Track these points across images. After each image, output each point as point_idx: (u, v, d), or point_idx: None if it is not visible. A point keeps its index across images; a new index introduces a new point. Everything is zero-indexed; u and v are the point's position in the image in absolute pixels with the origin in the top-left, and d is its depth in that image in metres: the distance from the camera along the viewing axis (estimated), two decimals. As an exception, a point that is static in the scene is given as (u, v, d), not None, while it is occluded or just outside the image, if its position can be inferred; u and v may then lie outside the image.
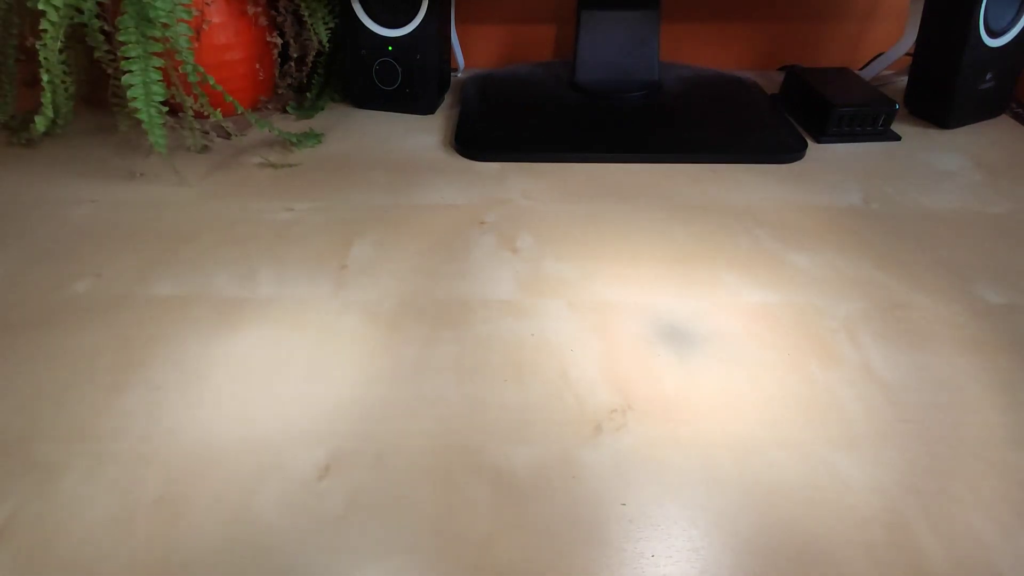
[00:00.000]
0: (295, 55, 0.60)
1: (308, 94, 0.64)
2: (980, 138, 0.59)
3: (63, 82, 0.51)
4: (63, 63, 0.50)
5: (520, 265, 0.42)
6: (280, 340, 0.36)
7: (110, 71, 0.51)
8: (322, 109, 0.64)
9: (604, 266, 0.42)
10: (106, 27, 0.50)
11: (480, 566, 0.26)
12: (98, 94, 0.57)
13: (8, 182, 0.51)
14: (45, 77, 0.48)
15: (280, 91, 0.63)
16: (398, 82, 0.62)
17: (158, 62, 0.48)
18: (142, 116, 0.49)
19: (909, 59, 0.62)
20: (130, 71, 0.47)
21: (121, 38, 0.47)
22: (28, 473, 0.29)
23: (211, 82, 0.50)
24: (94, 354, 0.35)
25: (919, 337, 0.37)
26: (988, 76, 0.58)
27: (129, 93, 0.48)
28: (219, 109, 0.53)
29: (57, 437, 0.31)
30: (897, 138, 0.59)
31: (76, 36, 0.50)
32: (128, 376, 0.34)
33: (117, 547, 0.26)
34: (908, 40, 0.63)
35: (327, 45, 0.61)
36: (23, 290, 0.40)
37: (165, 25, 0.47)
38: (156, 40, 0.47)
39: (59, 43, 0.47)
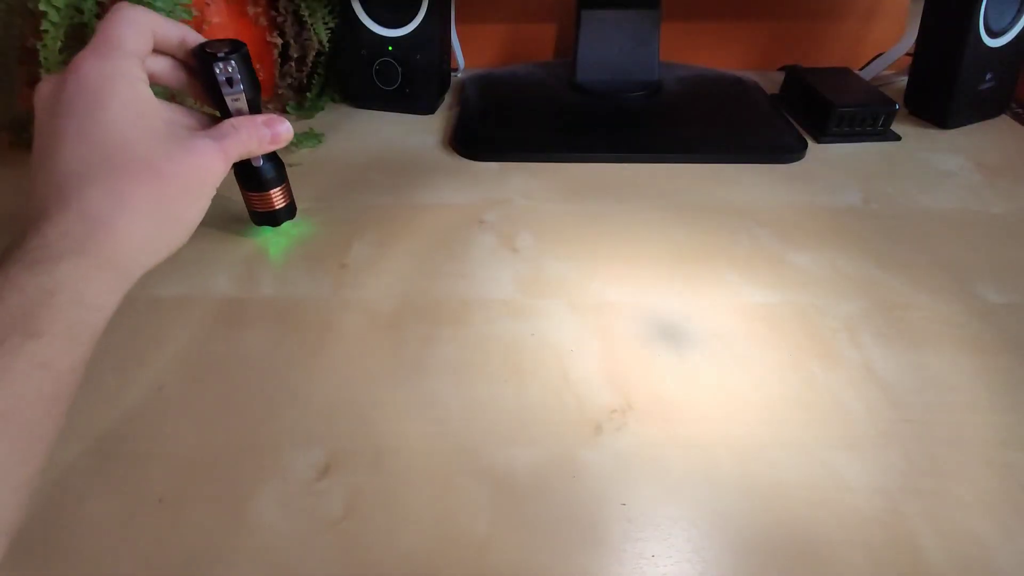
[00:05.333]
0: (295, 55, 0.60)
1: (308, 94, 0.64)
2: (980, 138, 0.59)
3: (63, 82, 0.51)
4: (64, 63, 0.50)
5: (520, 265, 0.42)
6: (280, 340, 0.36)
7: (110, 71, 0.51)
8: (322, 109, 0.64)
9: (604, 266, 0.42)
10: (106, 27, 0.50)
11: (480, 566, 0.26)
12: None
13: (10, 183, 0.51)
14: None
15: (280, 91, 0.63)
16: (398, 82, 0.62)
17: (158, 62, 0.48)
18: (142, 116, 0.48)
19: (909, 59, 0.62)
20: (130, 71, 0.47)
21: (121, 38, 0.47)
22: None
23: (211, 82, 0.50)
24: (95, 355, 0.35)
25: (920, 337, 0.37)
26: (988, 76, 0.58)
27: (129, 93, 0.48)
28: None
29: (58, 437, 0.31)
30: (897, 138, 0.59)
31: (76, 36, 0.50)
32: (129, 377, 0.34)
33: (118, 547, 0.26)
34: (908, 40, 0.63)
35: (327, 45, 0.61)
36: (23, 290, 0.40)
37: (165, 25, 0.47)
38: (156, 40, 0.47)
39: (59, 43, 0.47)
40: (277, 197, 0.42)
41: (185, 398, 0.33)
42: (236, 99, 0.35)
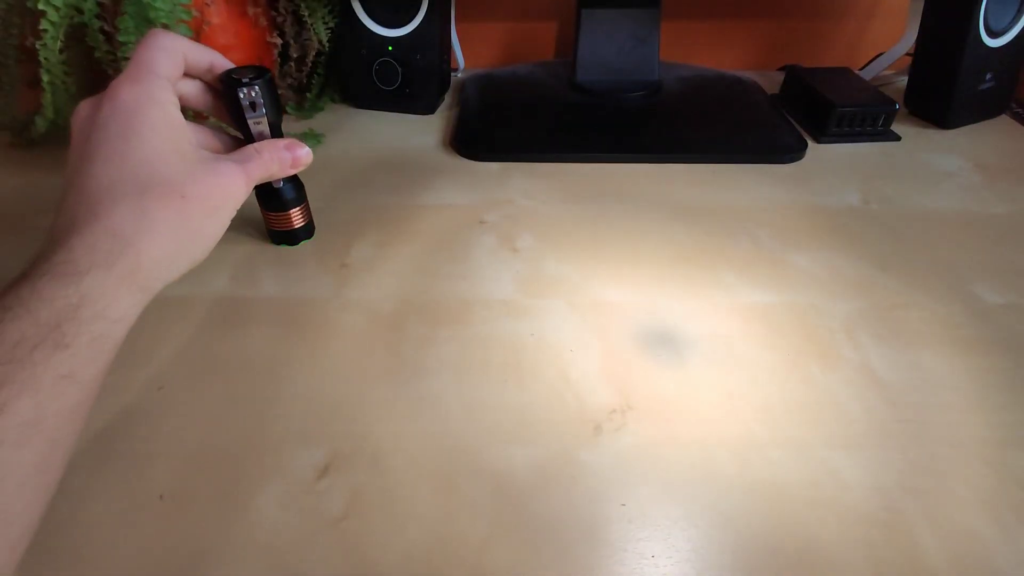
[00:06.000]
0: (295, 55, 0.60)
1: (308, 94, 0.64)
2: (980, 138, 0.59)
3: (64, 83, 0.51)
4: (63, 63, 0.50)
5: (520, 265, 0.42)
6: (281, 339, 0.36)
7: (111, 71, 0.51)
8: (322, 109, 0.64)
9: (604, 266, 0.42)
10: (106, 27, 0.50)
11: (479, 566, 0.26)
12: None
13: (10, 184, 0.51)
14: (45, 77, 0.48)
15: (280, 91, 0.63)
16: (398, 82, 0.62)
17: (158, 62, 0.48)
18: (142, 116, 0.48)
19: (909, 59, 0.62)
20: (130, 71, 0.47)
21: (122, 39, 0.47)
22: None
23: (211, 82, 0.50)
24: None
25: (918, 337, 0.37)
26: (988, 76, 0.58)
27: (129, 93, 0.48)
28: (219, 109, 0.53)
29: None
30: (897, 138, 0.59)
31: (76, 36, 0.50)
32: (131, 375, 0.34)
33: (118, 544, 0.27)
34: (908, 40, 0.63)
35: (327, 45, 0.61)
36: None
37: (165, 26, 0.47)
38: (156, 40, 0.47)
39: (59, 43, 0.47)
40: (296, 217, 0.43)
41: (186, 397, 0.33)
42: (258, 122, 0.37)
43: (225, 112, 0.37)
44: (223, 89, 0.36)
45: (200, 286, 0.40)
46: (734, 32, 0.74)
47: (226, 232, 0.45)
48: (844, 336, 0.37)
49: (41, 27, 0.46)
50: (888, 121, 0.58)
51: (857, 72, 0.65)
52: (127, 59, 0.47)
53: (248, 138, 0.38)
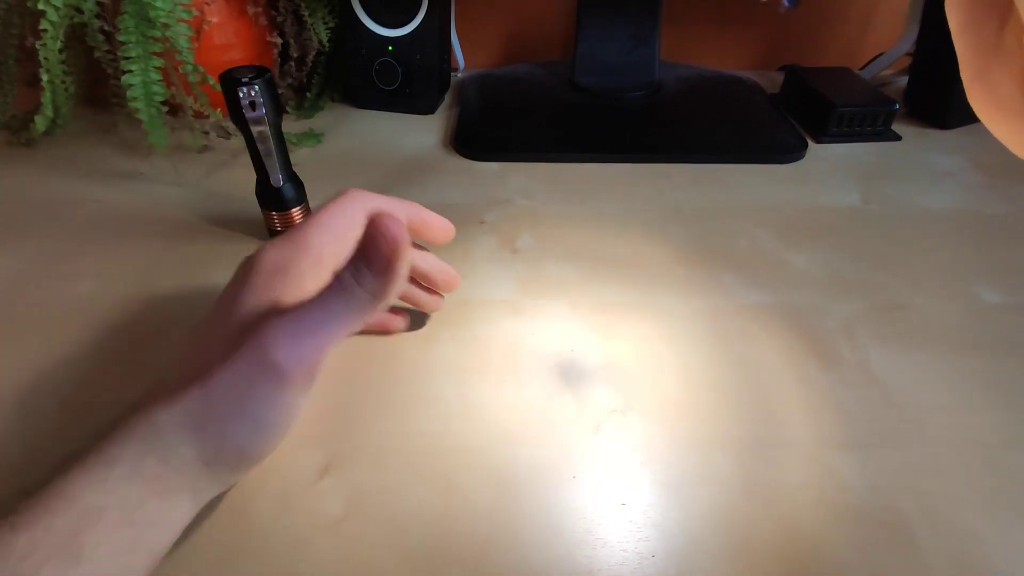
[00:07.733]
0: (295, 55, 0.60)
1: (308, 94, 0.64)
2: (980, 138, 0.59)
3: (63, 82, 0.51)
4: (63, 63, 0.50)
5: (520, 265, 0.42)
6: (280, 340, 0.36)
7: (110, 71, 0.51)
8: (322, 109, 0.64)
9: (604, 266, 0.42)
10: (106, 27, 0.50)
11: (480, 566, 0.26)
12: (98, 94, 0.57)
13: (8, 182, 0.51)
14: (45, 77, 0.48)
15: (280, 91, 0.63)
16: (398, 82, 0.62)
17: (158, 62, 0.48)
18: (142, 116, 0.49)
19: (909, 59, 0.62)
20: (130, 71, 0.47)
21: (121, 38, 0.47)
22: (33, 473, 0.29)
23: (211, 82, 0.50)
24: (96, 355, 0.35)
25: (918, 337, 0.37)
26: (988, 76, 0.58)
27: (129, 93, 0.48)
28: (219, 109, 0.53)
29: (60, 437, 0.31)
30: (897, 138, 0.59)
31: (76, 36, 0.50)
32: (130, 377, 0.34)
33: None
34: (908, 40, 0.63)
35: (327, 45, 0.61)
36: (25, 291, 0.40)
37: (165, 25, 0.47)
38: (156, 40, 0.47)
39: (59, 43, 0.47)
40: (297, 216, 0.43)
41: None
42: (258, 122, 0.37)
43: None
44: (223, 88, 0.36)
45: (200, 286, 0.40)
46: (734, 32, 0.74)
47: (226, 231, 0.45)
48: (844, 336, 0.37)
49: (41, 27, 0.46)
50: (888, 121, 0.58)
51: (857, 72, 0.65)
52: (127, 58, 0.47)
53: (248, 138, 0.37)
